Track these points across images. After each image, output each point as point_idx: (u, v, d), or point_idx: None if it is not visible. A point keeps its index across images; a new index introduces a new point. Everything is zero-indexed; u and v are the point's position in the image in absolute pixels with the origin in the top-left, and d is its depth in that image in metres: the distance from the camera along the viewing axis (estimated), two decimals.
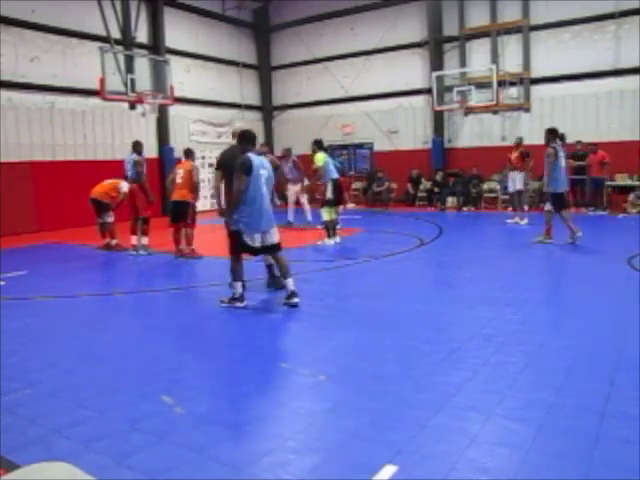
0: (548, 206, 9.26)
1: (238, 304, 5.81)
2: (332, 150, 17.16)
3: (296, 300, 5.73)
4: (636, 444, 2.81)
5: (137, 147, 9.82)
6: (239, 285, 5.85)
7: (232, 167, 5.89)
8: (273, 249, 5.87)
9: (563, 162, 9.19)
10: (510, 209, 13.15)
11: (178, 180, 8.93)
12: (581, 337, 4.57)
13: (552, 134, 9.22)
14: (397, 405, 3.40)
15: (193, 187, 8.94)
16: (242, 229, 5.67)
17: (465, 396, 3.49)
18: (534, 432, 3.00)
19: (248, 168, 5.55)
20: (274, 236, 5.82)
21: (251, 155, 5.68)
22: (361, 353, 4.40)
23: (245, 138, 5.87)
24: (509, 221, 12.13)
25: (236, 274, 5.83)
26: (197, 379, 3.96)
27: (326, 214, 9.90)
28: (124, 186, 9.81)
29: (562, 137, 9.90)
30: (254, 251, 5.85)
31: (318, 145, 10.31)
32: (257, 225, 5.67)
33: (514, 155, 12.20)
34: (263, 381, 3.87)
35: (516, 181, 12.17)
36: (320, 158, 9.97)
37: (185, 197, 8.90)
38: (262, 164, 5.74)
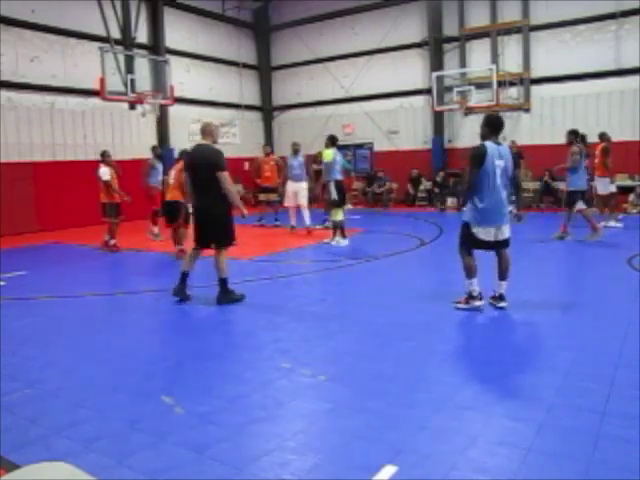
0: (581, 205, 9.15)
1: (476, 303, 5.40)
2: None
3: (503, 304, 5.41)
4: (636, 444, 2.81)
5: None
6: (474, 282, 5.39)
7: (201, 167, 5.82)
8: (503, 244, 5.40)
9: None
10: (597, 211, 11.14)
11: (170, 181, 8.98)
12: (581, 337, 4.57)
13: (574, 135, 9.36)
14: (397, 405, 3.39)
15: (184, 188, 8.95)
16: (472, 222, 5.28)
17: (465, 396, 3.49)
18: (534, 432, 3.00)
19: (479, 160, 5.12)
20: (507, 231, 5.38)
21: (488, 144, 5.21)
22: (361, 353, 4.41)
23: (490, 124, 5.31)
24: (610, 224, 10.76)
25: (468, 271, 5.40)
26: (197, 379, 3.96)
27: (336, 214, 9.82)
28: (104, 174, 10.14)
29: (583, 138, 9.73)
30: (486, 246, 5.37)
31: (331, 140, 9.98)
32: (490, 219, 5.24)
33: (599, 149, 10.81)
34: (263, 381, 3.86)
35: (606, 182, 10.90)
36: (327, 154, 9.86)
37: (176, 197, 8.91)
38: (499, 154, 5.21)
